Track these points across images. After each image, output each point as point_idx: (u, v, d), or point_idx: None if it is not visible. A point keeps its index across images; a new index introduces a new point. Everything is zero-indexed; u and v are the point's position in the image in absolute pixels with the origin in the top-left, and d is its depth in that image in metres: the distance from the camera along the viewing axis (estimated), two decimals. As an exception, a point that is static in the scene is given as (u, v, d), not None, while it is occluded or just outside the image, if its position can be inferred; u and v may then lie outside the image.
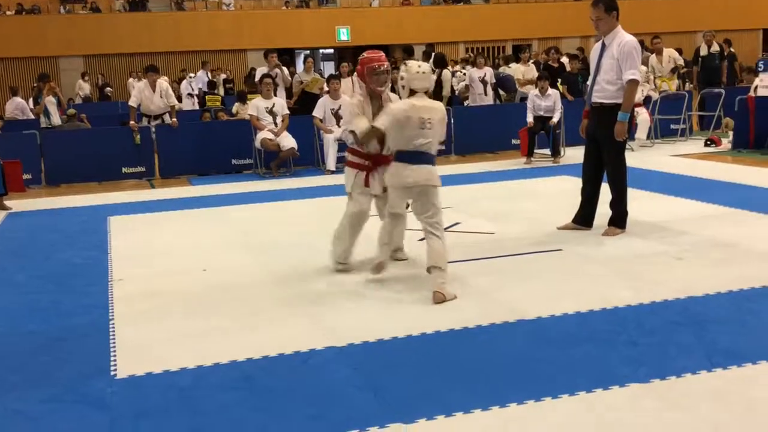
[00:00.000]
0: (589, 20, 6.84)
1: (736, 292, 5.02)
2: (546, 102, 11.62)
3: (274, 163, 11.76)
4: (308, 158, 12.17)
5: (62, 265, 6.72)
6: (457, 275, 5.67)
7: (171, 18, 28.49)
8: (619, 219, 6.77)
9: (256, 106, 11.74)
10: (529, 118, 11.65)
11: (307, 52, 27.53)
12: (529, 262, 6.03)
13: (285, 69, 13.36)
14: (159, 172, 12.18)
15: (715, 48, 15.32)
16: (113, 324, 4.99)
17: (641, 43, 7.06)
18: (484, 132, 13.23)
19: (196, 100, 19.65)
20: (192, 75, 21.93)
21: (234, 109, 14.94)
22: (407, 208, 5.61)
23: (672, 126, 13.86)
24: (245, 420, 3.54)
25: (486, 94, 14.35)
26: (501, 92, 15.22)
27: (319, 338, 4.50)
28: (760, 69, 12.48)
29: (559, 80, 14.36)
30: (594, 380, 3.74)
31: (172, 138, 12.20)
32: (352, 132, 5.74)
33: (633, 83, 6.55)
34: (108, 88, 25.45)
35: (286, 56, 19.90)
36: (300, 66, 22.53)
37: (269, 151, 11.68)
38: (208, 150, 12.20)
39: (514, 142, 13.00)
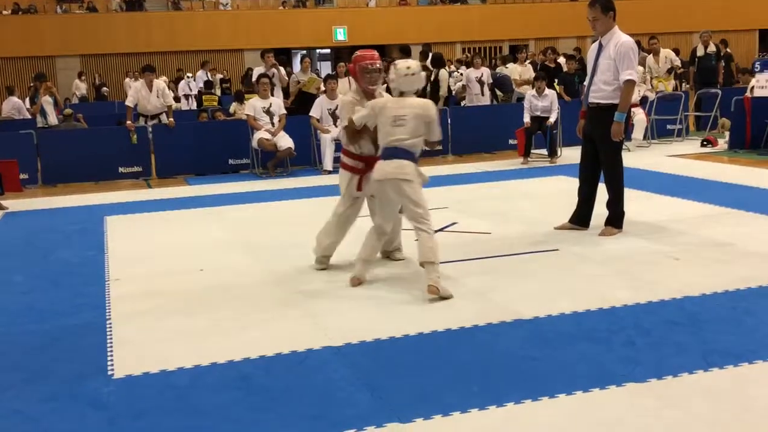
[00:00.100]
0: (586, 20, 6.85)
1: (733, 292, 5.03)
2: (543, 102, 11.63)
3: (270, 162, 11.76)
4: (305, 158, 12.18)
5: (59, 264, 6.72)
6: (454, 275, 5.68)
7: (168, 18, 28.48)
8: (615, 219, 6.78)
9: (253, 106, 11.74)
10: (526, 119, 11.65)
11: (304, 52, 27.56)
12: (526, 262, 6.04)
13: (282, 69, 13.37)
14: (156, 172, 12.18)
15: (712, 48, 15.34)
16: (110, 324, 4.99)
17: (638, 43, 7.07)
18: (481, 132, 13.24)
19: (193, 100, 19.66)
20: (190, 75, 21.93)
21: (232, 109, 14.94)
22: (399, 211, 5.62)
23: (668, 126, 13.88)
24: (242, 420, 3.54)
25: (483, 94, 14.36)
26: (498, 92, 15.23)
27: (316, 338, 4.51)
28: (756, 69, 12.50)
29: (556, 80, 14.38)
30: (591, 380, 3.75)
31: (169, 138, 12.20)
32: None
33: (630, 83, 6.56)
34: (104, 88, 25.44)
35: (283, 56, 19.93)
36: (297, 66, 22.55)
37: (266, 151, 11.69)
38: (205, 150, 12.19)
39: (511, 142, 13.01)
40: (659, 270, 5.62)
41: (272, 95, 12.07)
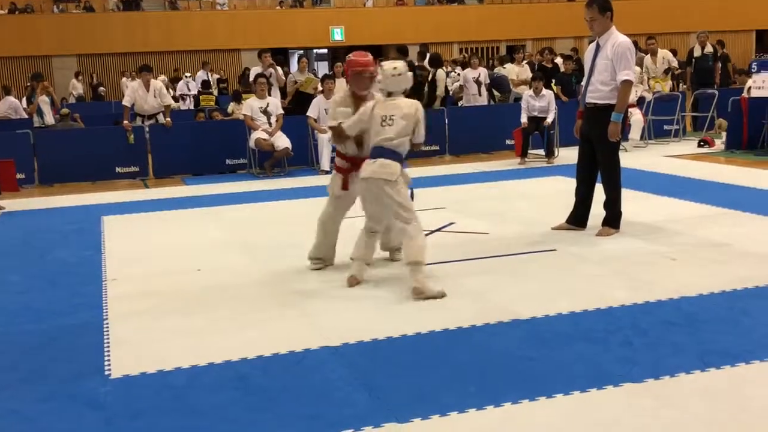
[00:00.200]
0: (583, 21, 6.86)
1: (730, 292, 5.04)
2: (540, 102, 11.63)
3: (268, 162, 11.76)
4: (302, 158, 12.18)
5: (56, 264, 6.71)
6: (451, 275, 5.69)
7: (165, 17, 28.45)
8: (613, 219, 6.79)
9: (250, 106, 11.74)
10: (523, 119, 11.66)
11: (301, 52, 27.53)
12: (524, 263, 6.04)
13: (279, 69, 13.36)
14: (153, 172, 12.17)
15: (709, 49, 15.35)
16: (107, 324, 4.98)
17: (635, 43, 7.08)
18: (478, 132, 13.25)
19: (191, 99, 19.64)
20: (188, 74, 21.92)
21: (230, 109, 14.93)
22: None
23: (665, 127, 13.89)
24: (240, 420, 3.54)
25: (480, 94, 14.37)
26: (495, 93, 15.23)
27: (313, 338, 4.51)
28: (753, 70, 12.51)
29: (553, 81, 14.38)
30: (588, 380, 3.75)
31: (166, 138, 12.19)
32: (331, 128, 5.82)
33: (627, 84, 6.56)
34: (101, 88, 25.40)
35: (280, 56, 19.89)
36: (294, 66, 22.53)
37: (263, 151, 11.68)
38: (202, 150, 12.19)
39: (508, 142, 13.02)
40: (656, 270, 5.63)
41: (269, 95, 12.06)
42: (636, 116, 12.48)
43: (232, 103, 14.99)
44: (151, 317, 5.10)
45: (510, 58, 16.61)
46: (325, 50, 31.60)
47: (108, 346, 4.56)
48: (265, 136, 11.48)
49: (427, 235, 6.90)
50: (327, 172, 11.22)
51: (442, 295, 5.17)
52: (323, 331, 4.62)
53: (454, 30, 29.92)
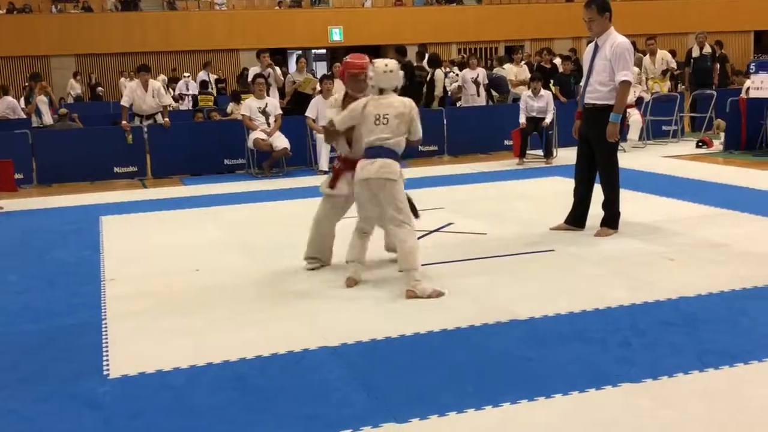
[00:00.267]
0: (581, 21, 6.86)
1: (728, 293, 5.04)
2: (539, 103, 11.64)
3: (266, 163, 11.75)
4: (301, 158, 12.17)
5: (55, 264, 6.71)
6: (449, 275, 5.70)
7: (163, 17, 28.42)
8: (611, 220, 6.79)
9: (248, 106, 11.74)
10: (522, 119, 11.66)
11: (300, 52, 27.49)
12: (522, 263, 6.04)
13: (277, 69, 13.36)
14: (151, 172, 12.16)
15: (707, 49, 15.36)
16: (106, 324, 4.98)
17: (633, 44, 7.08)
18: (476, 133, 13.25)
19: (190, 99, 19.63)
20: (187, 74, 21.93)
21: (229, 109, 14.92)
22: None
23: (664, 127, 13.91)
24: (238, 420, 3.54)
25: (479, 94, 14.37)
26: (494, 93, 15.24)
27: (312, 338, 4.50)
28: (751, 71, 12.52)
29: (552, 81, 14.39)
30: (587, 380, 3.75)
31: (165, 138, 12.19)
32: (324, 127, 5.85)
33: (625, 84, 6.56)
34: (99, 88, 25.38)
35: (279, 56, 19.89)
36: (292, 66, 22.53)
37: (262, 151, 11.68)
38: (200, 150, 12.18)
39: (506, 142, 13.03)
40: (655, 270, 5.63)
41: (268, 95, 12.06)
42: (634, 117, 12.49)
43: (231, 104, 14.98)
44: (150, 317, 5.10)
45: (509, 58, 16.62)
46: (324, 50, 31.60)
47: (106, 346, 4.56)
48: (263, 136, 11.47)
49: (425, 235, 6.94)
50: (325, 173, 11.22)
51: (439, 294, 5.18)
52: (322, 332, 4.62)
53: (452, 30, 29.92)
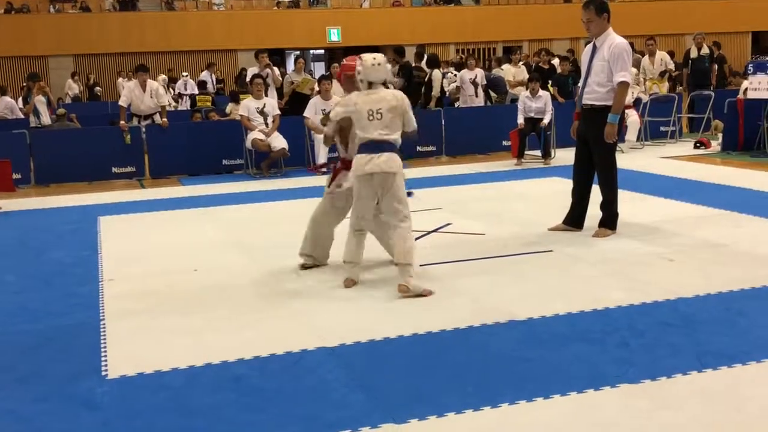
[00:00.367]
0: (579, 22, 6.86)
1: (726, 293, 5.05)
2: (537, 103, 11.64)
3: (264, 163, 11.75)
4: (299, 159, 12.16)
5: (53, 264, 6.70)
6: (448, 276, 5.70)
7: (161, 18, 28.40)
8: (609, 220, 6.80)
9: (246, 106, 11.73)
10: (520, 120, 11.67)
11: (298, 52, 27.50)
12: (520, 263, 6.04)
13: (276, 69, 13.35)
14: (149, 172, 12.15)
15: (705, 50, 15.37)
16: (104, 324, 4.98)
17: (631, 45, 7.09)
18: (474, 133, 13.25)
19: (186, 99, 19.61)
20: (186, 74, 21.91)
21: (228, 109, 14.91)
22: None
23: (662, 128, 13.92)
24: (237, 420, 3.53)
25: (477, 95, 14.37)
26: (492, 94, 15.24)
27: (310, 339, 4.50)
28: (749, 72, 12.53)
29: (550, 82, 14.39)
30: (585, 381, 3.75)
31: (163, 138, 12.18)
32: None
33: (623, 85, 6.57)
34: (97, 88, 25.36)
35: (277, 56, 19.88)
36: (291, 66, 22.52)
37: (260, 152, 11.68)
38: (198, 150, 12.18)
39: (504, 143, 13.02)
40: (653, 271, 5.63)
41: (266, 96, 12.05)
42: (632, 117, 12.49)
43: (230, 104, 14.97)
44: (148, 317, 5.10)
45: (507, 59, 16.62)
46: (322, 51, 31.59)
47: (105, 347, 4.56)
48: (261, 136, 11.47)
49: (423, 236, 6.95)
50: (323, 173, 11.23)
51: (428, 293, 5.20)
52: (320, 332, 4.62)
53: (450, 31, 29.92)
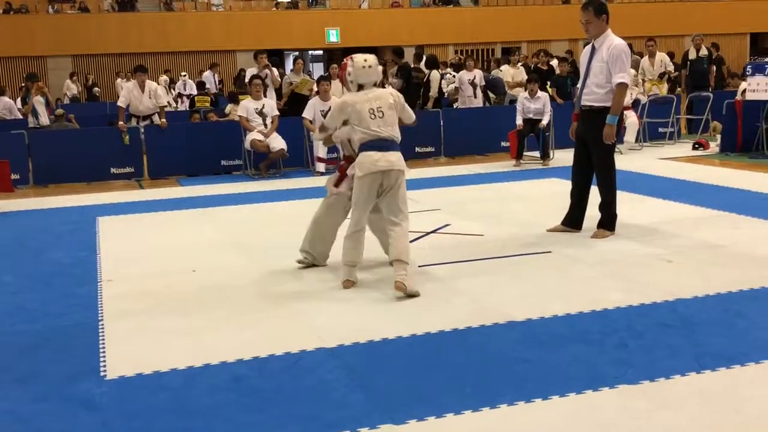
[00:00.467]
0: (578, 23, 6.87)
1: (725, 295, 5.05)
2: (535, 104, 11.65)
3: (263, 164, 11.75)
4: (297, 159, 12.16)
5: (51, 265, 6.69)
6: (446, 277, 5.70)
7: (160, 18, 28.40)
8: (608, 221, 6.80)
9: (245, 107, 11.73)
10: (519, 121, 11.67)
11: (297, 53, 27.51)
12: (519, 264, 6.05)
13: (275, 70, 13.35)
14: (148, 173, 12.14)
15: (704, 52, 15.38)
16: (103, 324, 4.98)
17: (630, 46, 7.09)
18: (473, 134, 13.25)
19: (184, 100, 19.61)
20: (184, 74, 21.90)
21: (227, 110, 14.92)
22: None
23: (660, 129, 13.92)
24: (236, 421, 3.53)
25: (475, 96, 14.37)
26: (490, 95, 15.25)
27: (309, 339, 4.50)
28: (747, 73, 12.54)
29: (549, 83, 14.39)
30: (584, 381, 3.76)
31: (161, 138, 12.17)
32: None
33: (622, 86, 6.57)
34: (96, 89, 25.34)
35: (276, 57, 19.88)
36: (289, 67, 22.52)
37: (259, 152, 11.68)
38: (197, 151, 12.17)
39: (503, 144, 13.03)
40: (652, 272, 5.64)
41: (265, 96, 12.06)
42: (631, 119, 12.49)
43: (230, 105, 14.97)
44: (147, 318, 5.09)
45: (506, 60, 16.63)
46: (321, 52, 31.59)
47: (103, 347, 4.56)
48: (260, 137, 11.47)
49: (422, 236, 6.95)
50: (322, 174, 11.24)
51: (417, 294, 5.22)
52: (319, 333, 4.62)
53: (449, 32, 29.93)
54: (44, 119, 14.62)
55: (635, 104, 13.16)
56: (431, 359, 4.16)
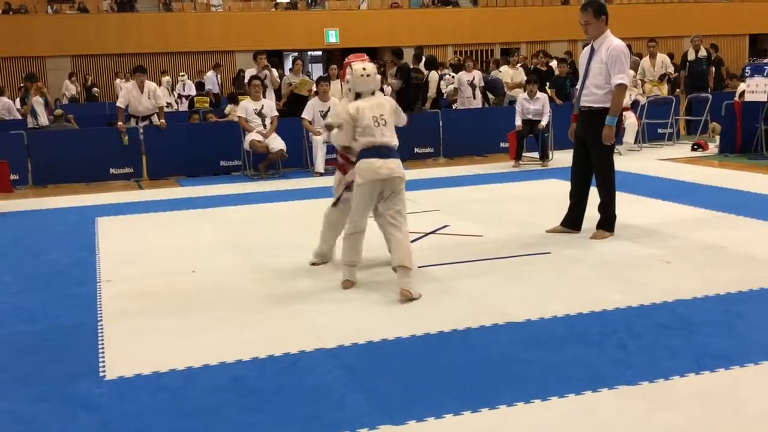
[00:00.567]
0: (577, 24, 6.87)
1: (724, 296, 5.05)
2: (535, 105, 11.65)
3: (262, 164, 11.75)
4: (297, 160, 12.16)
5: (50, 265, 6.69)
6: (446, 277, 5.70)
7: (159, 19, 28.41)
8: (607, 222, 6.80)
9: (244, 107, 11.74)
10: (518, 122, 11.67)
11: (296, 54, 27.52)
12: (518, 265, 6.05)
13: (274, 71, 13.36)
14: (147, 173, 12.14)
15: (703, 53, 15.40)
16: (102, 325, 4.97)
17: (629, 47, 7.10)
18: (472, 135, 13.26)
19: (182, 100, 19.63)
20: (183, 74, 21.90)
21: (227, 110, 14.92)
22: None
23: (659, 130, 13.94)
24: (235, 421, 3.53)
25: (475, 97, 14.38)
26: (490, 95, 15.25)
27: (308, 340, 4.50)
28: (746, 74, 12.55)
29: (548, 84, 14.40)
30: (583, 382, 3.76)
31: (161, 139, 12.17)
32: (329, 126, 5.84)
33: (621, 87, 6.58)
34: (95, 89, 25.34)
35: (275, 58, 19.90)
36: (288, 68, 22.52)
37: (258, 153, 11.68)
38: (196, 151, 12.17)
39: (502, 145, 13.03)
40: (651, 273, 5.64)
41: (264, 97, 12.06)
42: (630, 120, 12.51)
43: (229, 105, 14.98)
44: (146, 318, 5.09)
45: (505, 60, 16.65)
46: (320, 52, 31.61)
47: (103, 348, 4.55)
48: (259, 137, 11.47)
49: (421, 237, 6.95)
50: (321, 174, 11.25)
51: (418, 296, 5.22)
52: (318, 333, 4.62)
53: (448, 33, 29.95)
54: (43, 120, 14.61)
55: (634, 105, 13.17)
56: (431, 360, 4.16)
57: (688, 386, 3.70)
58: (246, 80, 12.66)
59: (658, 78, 14.65)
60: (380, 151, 5.35)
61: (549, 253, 6.34)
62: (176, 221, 8.50)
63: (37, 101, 14.72)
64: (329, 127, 5.81)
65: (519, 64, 17.18)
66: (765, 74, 11.84)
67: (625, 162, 10.82)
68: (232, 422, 3.53)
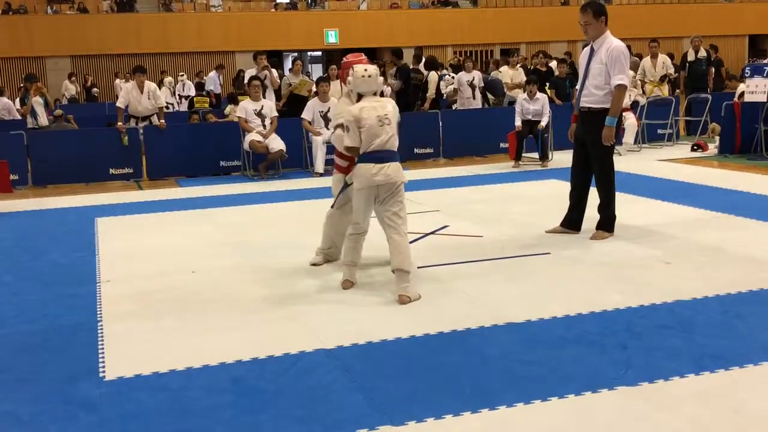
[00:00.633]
0: (577, 25, 6.87)
1: (724, 296, 5.05)
2: (534, 106, 11.65)
3: (262, 165, 11.75)
4: (296, 160, 12.16)
5: (50, 266, 6.69)
6: (445, 278, 5.70)
7: (159, 19, 28.40)
8: (607, 223, 6.81)
9: (244, 108, 11.73)
10: (518, 122, 11.67)
11: (296, 54, 27.51)
12: (518, 266, 6.05)
13: (273, 71, 13.35)
14: (147, 174, 12.14)
15: (702, 53, 15.41)
16: (101, 325, 4.97)
17: (629, 48, 7.10)
18: (472, 135, 13.26)
19: (180, 101, 19.65)
20: (182, 74, 21.92)
21: (227, 110, 14.93)
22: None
23: (659, 131, 13.94)
24: (235, 422, 3.53)
25: (474, 97, 14.38)
26: (489, 96, 15.25)
27: (308, 340, 4.50)
28: (746, 75, 12.56)
29: (548, 84, 14.40)
30: (583, 383, 3.76)
31: (160, 139, 12.17)
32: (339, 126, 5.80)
33: (621, 88, 6.58)
34: (95, 89, 25.34)
35: (275, 58, 19.90)
36: (288, 68, 22.52)
37: (258, 153, 11.68)
38: (196, 151, 12.17)
39: (502, 145, 13.03)
40: (650, 274, 5.64)
41: (264, 97, 12.06)
42: (630, 120, 12.51)
43: (229, 106, 14.99)
44: (146, 319, 5.09)
45: (505, 61, 16.65)
46: (320, 53, 31.61)
47: (102, 348, 4.55)
48: (259, 138, 11.47)
49: (421, 238, 6.95)
50: (321, 175, 11.25)
51: (418, 297, 5.21)
52: (318, 334, 4.62)
53: (448, 33, 29.95)
54: (43, 120, 14.61)
55: (634, 106, 13.17)
56: (430, 360, 4.16)
57: (687, 387, 3.70)
58: (246, 81, 12.65)
59: (659, 79, 14.64)
60: (378, 156, 5.33)
61: (549, 253, 6.34)
62: (176, 222, 8.50)
63: (36, 101, 14.73)
64: (343, 129, 5.76)
65: (519, 65, 17.18)
66: (765, 75, 11.85)
67: (624, 162, 10.82)
68: (231, 422, 3.53)
